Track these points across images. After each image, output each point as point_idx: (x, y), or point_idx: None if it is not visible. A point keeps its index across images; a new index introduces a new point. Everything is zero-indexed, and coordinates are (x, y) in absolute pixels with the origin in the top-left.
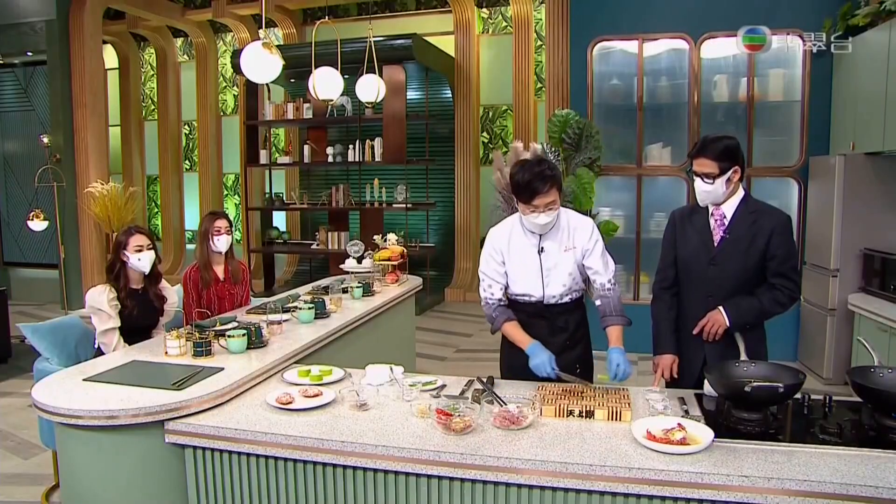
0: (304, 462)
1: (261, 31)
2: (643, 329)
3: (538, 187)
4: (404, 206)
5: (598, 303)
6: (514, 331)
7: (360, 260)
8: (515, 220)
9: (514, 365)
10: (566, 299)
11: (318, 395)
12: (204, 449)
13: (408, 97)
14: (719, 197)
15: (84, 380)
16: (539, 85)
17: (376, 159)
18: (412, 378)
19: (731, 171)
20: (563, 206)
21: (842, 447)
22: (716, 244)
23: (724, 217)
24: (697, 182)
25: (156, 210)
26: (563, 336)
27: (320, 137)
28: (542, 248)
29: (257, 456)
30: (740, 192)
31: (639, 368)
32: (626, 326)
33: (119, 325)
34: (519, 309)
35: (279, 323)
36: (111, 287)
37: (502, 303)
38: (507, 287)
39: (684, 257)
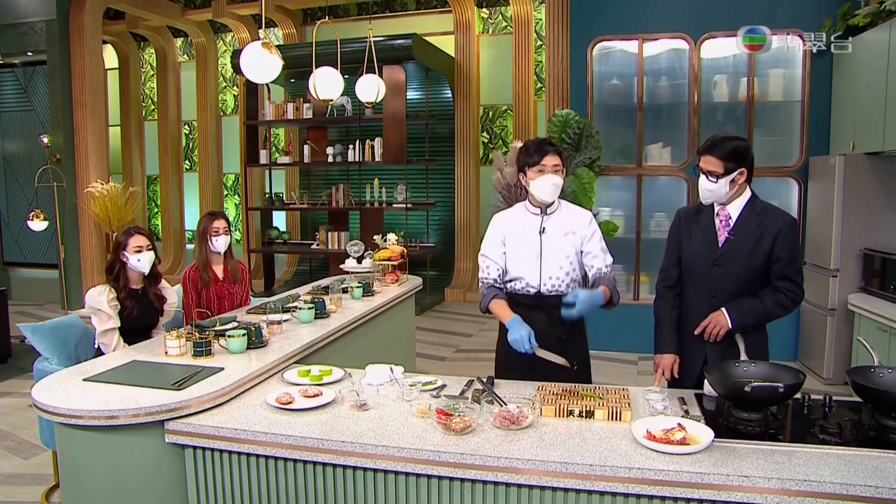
0: (304, 462)
1: (261, 31)
2: (644, 329)
3: (547, 148)
4: (404, 206)
5: (594, 281)
6: (499, 307)
7: (360, 260)
8: (520, 205)
9: (507, 361)
10: (563, 289)
11: (318, 395)
12: (204, 449)
13: (408, 97)
14: (722, 196)
15: (84, 380)
16: (539, 85)
17: (376, 159)
18: (412, 378)
19: (736, 172)
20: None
21: (842, 447)
22: (720, 245)
23: (730, 218)
24: (701, 179)
25: (156, 210)
26: (560, 329)
27: (320, 137)
28: (544, 228)
29: (257, 456)
30: (747, 194)
31: (639, 368)
32: (614, 300)
33: (119, 325)
34: (517, 302)
35: (279, 323)
36: (111, 287)
37: (496, 283)
38: (504, 272)
39: (688, 257)
